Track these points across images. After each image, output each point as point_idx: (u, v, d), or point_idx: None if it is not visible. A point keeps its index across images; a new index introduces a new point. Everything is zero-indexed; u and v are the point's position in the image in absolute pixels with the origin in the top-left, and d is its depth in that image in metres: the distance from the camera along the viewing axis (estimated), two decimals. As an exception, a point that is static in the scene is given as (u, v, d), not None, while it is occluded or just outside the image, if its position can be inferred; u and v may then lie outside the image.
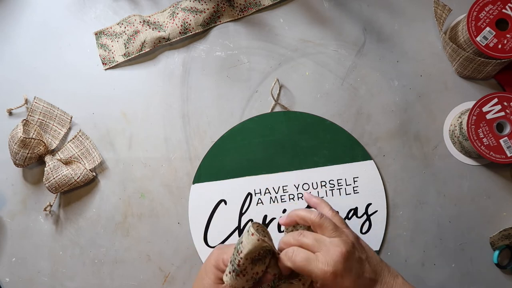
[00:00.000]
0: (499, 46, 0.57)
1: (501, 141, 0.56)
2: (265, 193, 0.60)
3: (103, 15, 0.66)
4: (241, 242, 0.43)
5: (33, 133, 0.60)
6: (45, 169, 0.59)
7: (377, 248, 0.59)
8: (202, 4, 0.63)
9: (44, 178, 0.59)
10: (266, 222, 0.60)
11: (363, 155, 0.60)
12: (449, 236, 0.59)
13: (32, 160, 0.60)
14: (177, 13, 0.63)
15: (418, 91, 0.61)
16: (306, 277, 0.46)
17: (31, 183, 0.63)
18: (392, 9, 0.63)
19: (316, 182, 0.60)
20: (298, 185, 0.60)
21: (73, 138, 0.63)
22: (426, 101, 0.61)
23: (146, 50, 0.63)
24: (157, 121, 0.63)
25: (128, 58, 0.64)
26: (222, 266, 0.46)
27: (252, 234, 0.42)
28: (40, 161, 0.62)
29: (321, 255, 0.43)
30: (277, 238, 0.60)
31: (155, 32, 0.63)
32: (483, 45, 0.57)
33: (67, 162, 0.62)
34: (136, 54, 0.64)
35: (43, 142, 0.60)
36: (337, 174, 0.60)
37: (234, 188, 0.60)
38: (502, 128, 0.57)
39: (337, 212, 0.49)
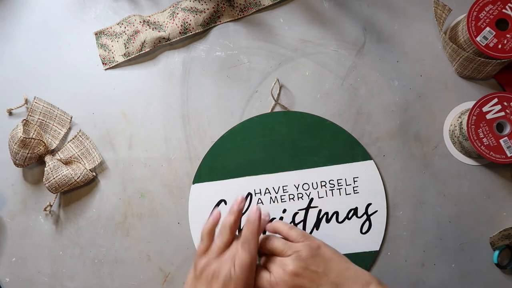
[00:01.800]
0: (499, 46, 0.57)
1: (501, 141, 0.56)
2: (265, 193, 0.60)
3: (103, 15, 0.66)
4: None
5: (33, 133, 0.60)
6: (45, 169, 0.59)
7: (377, 248, 0.59)
8: (202, 4, 0.63)
9: (44, 178, 0.59)
10: (266, 222, 0.60)
11: (363, 155, 0.60)
12: (449, 236, 0.59)
13: (32, 160, 0.60)
14: (177, 13, 0.63)
15: (418, 91, 0.61)
16: None
17: (31, 183, 0.63)
18: (392, 9, 0.63)
19: (316, 182, 0.60)
20: (298, 185, 0.60)
21: (73, 138, 0.63)
22: (426, 101, 0.61)
23: (146, 50, 0.63)
24: (157, 121, 0.63)
25: (128, 58, 0.64)
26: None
27: None
28: (40, 161, 0.62)
29: (272, 275, 0.44)
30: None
31: (155, 32, 0.63)
32: (483, 45, 0.57)
33: (67, 162, 0.62)
34: (136, 54, 0.64)
35: (43, 142, 0.60)
36: (337, 174, 0.60)
37: (234, 188, 0.60)
38: (502, 128, 0.57)
39: (293, 225, 0.49)
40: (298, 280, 0.43)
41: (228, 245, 0.47)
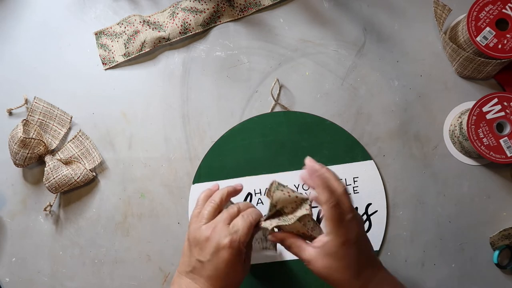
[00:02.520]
0: (499, 46, 0.57)
1: (501, 141, 0.56)
2: (265, 193, 0.60)
3: (103, 15, 0.66)
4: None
5: (33, 133, 0.60)
6: (45, 169, 0.59)
7: (377, 248, 0.59)
8: (202, 4, 0.63)
9: (44, 178, 0.59)
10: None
11: (363, 155, 0.60)
12: (449, 236, 0.59)
13: (32, 160, 0.60)
14: (177, 13, 0.63)
15: (418, 91, 0.61)
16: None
17: (31, 183, 0.63)
18: (392, 9, 0.63)
19: (316, 182, 0.60)
20: (298, 185, 0.60)
21: (73, 138, 0.63)
22: (426, 101, 0.61)
23: (146, 50, 0.63)
24: (157, 121, 0.63)
25: (128, 58, 0.64)
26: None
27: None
28: (40, 161, 0.62)
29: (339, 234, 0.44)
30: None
31: (155, 32, 0.63)
32: (483, 45, 0.57)
33: (67, 162, 0.62)
34: (136, 54, 0.64)
35: (43, 142, 0.60)
36: (337, 174, 0.60)
37: (234, 188, 0.60)
38: (502, 128, 0.57)
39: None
40: (354, 246, 0.45)
41: (217, 211, 0.49)
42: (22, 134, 0.58)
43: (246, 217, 0.47)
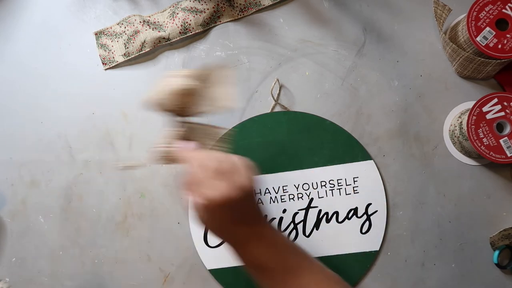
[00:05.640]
0: (499, 46, 0.57)
1: (501, 141, 0.56)
2: (265, 193, 0.60)
3: (103, 15, 0.66)
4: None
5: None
6: None
7: (377, 248, 0.59)
8: (202, 4, 0.63)
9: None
10: (266, 222, 0.60)
11: (363, 155, 0.60)
12: (449, 236, 0.59)
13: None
14: (177, 13, 0.63)
15: (418, 91, 0.61)
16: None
17: (31, 183, 0.63)
18: (392, 9, 0.63)
19: (316, 182, 0.60)
20: (298, 185, 0.60)
21: None
22: (426, 101, 0.61)
23: (146, 50, 0.63)
24: (157, 121, 0.63)
25: (128, 58, 0.64)
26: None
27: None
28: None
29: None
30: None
31: (155, 32, 0.63)
32: (483, 45, 0.57)
33: None
34: (136, 54, 0.64)
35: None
36: (337, 174, 0.60)
37: (234, 188, 0.60)
38: (502, 128, 0.57)
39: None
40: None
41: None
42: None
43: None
